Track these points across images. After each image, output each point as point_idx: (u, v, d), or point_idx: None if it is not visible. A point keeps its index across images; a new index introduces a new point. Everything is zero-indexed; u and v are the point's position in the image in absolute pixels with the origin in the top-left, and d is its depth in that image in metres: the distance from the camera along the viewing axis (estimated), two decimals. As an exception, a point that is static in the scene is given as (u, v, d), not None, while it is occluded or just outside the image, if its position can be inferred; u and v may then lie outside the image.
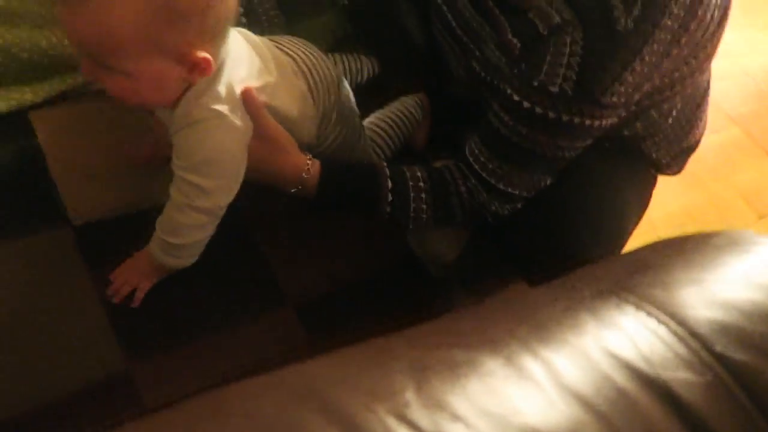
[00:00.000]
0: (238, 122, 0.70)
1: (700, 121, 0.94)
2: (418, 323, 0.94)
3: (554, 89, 0.71)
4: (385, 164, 0.84)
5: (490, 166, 0.79)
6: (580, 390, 0.30)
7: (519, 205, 0.83)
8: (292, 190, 0.79)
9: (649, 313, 0.34)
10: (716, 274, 0.38)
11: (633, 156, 0.93)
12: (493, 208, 0.82)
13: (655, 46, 0.68)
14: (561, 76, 0.71)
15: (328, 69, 0.86)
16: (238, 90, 0.70)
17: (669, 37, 0.68)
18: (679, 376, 0.31)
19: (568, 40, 0.70)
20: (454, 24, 0.88)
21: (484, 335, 0.32)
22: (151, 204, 0.86)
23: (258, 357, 0.81)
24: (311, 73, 0.82)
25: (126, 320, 0.77)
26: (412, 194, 0.82)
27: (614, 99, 0.72)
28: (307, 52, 0.84)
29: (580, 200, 0.83)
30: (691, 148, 0.98)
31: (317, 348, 0.86)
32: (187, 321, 0.80)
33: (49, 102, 0.92)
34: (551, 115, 0.73)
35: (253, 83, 0.73)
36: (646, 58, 0.69)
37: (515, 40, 0.78)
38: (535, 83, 0.72)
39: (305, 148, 0.83)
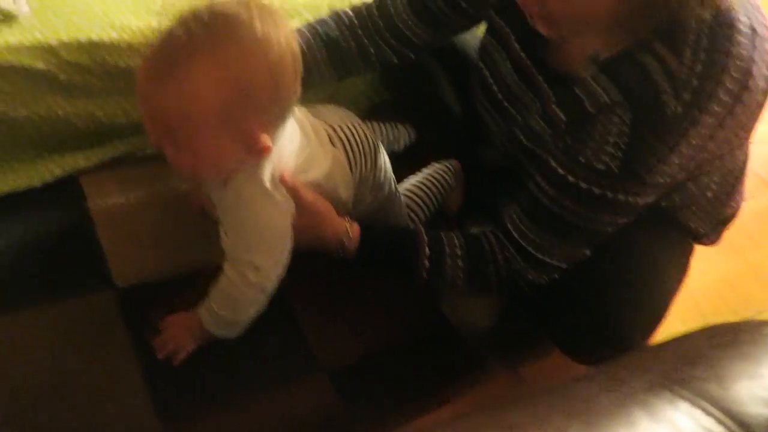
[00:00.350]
0: (281, 199, 0.73)
1: (738, 193, 0.93)
2: (451, 393, 0.91)
3: (600, 167, 0.72)
4: (423, 229, 0.85)
5: (530, 235, 0.80)
6: (638, 494, 0.29)
7: (555, 276, 0.82)
8: (334, 255, 0.81)
9: (705, 411, 0.33)
10: (772, 369, 0.37)
11: (670, 226, 0.92)
12: (530, 276, 0.81)
13: (702, 130, 0.69)
14: (608, 155, 0.71)
15: (366, 137, 0.89)
16: (282, 166, 0.73)
17: (715, 121, 0.69)
18: (741, 482, 0.30)
19: (616, 120, 0.71)
20: (496, 90, 0.90)
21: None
22: (193, 268, 0.89)
23: (292, 424, 0.81)
24: (349, 141, 0.85)
25: (162, 386, 0.78)
26: (449, 261, 0.82)
27: (659, 179, 0.72)
28: (345, 121, 0.87)
29: (619, 272, 0.82)
30: (728, 219, 0.97)
31: (351, 414, 0.85)
32: (222, 387, 0.81)
33: (100, 167, 0.96)
34: (596, 191, 0.73)
35: (295, 159, 0.76)
36: (693, 141, 0.70)
37: (560, 113, 0.80)
38: (581, 159, 0.73)
39: (341, 212, 0.85)
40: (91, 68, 0.87)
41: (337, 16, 0.94)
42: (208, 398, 0.79)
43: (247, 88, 0.63)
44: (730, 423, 0.33)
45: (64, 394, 0.74)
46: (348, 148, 0.85)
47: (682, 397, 0.34)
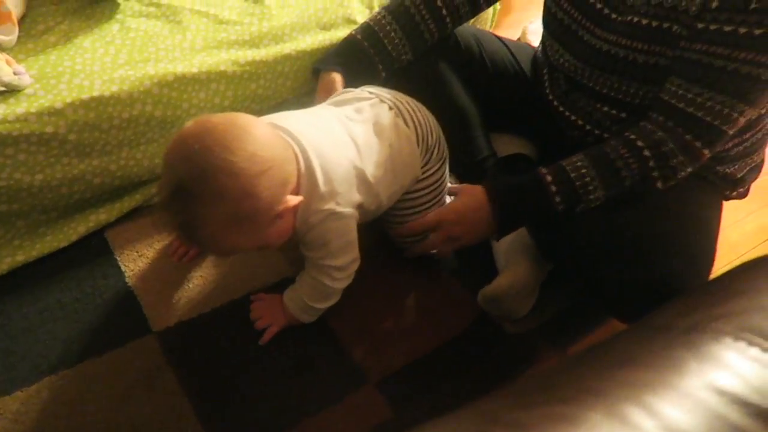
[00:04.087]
0: (347, 209, 0.80)
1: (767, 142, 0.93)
2: (500, 382, 0.89)
3: None
4: (542, 168, 0.86)
5: (689, 95, 0.77)
6: (694, 434, 0.28)
7: (711, 150, 0.79)
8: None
9: (749, 342, 0.32)
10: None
11: (706, 178, 0.91)
12: (679, 159, 0.79)
13: None
14: None
15: (428, 114, 0.95)
16: (340, 172, 0.79)
17: None
18: (799, 405, 0.29)
19: None
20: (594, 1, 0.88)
21: (582, 385, 0.31)
22: (220, 302, 0.91)
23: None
24: (410, 116, 0.90)
25: (217, 420, 0.79)
26: (572, 175, 0.82)
27: None
28: (407, 100, 0.93)
29: (664, 225, 0.80)
30: (758, 168, 0.97)
31: (402, 419, 0.84)
32: (274, 414, 0.81)
33: (121, 219, 0.99)
34: (757, 32, 0.70)
35: (374, 168, 0.83)
36: None
37: None
38: (754, 5, 0.70)
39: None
40: (97, 124, 0.89)
41: None
42: (262, 428, 0.79)
43: (244, 202, 0.69)
44: (778, 349, 0.31)
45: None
46: (408, 119, 0.90)
47: (725, 332, 0.33)
